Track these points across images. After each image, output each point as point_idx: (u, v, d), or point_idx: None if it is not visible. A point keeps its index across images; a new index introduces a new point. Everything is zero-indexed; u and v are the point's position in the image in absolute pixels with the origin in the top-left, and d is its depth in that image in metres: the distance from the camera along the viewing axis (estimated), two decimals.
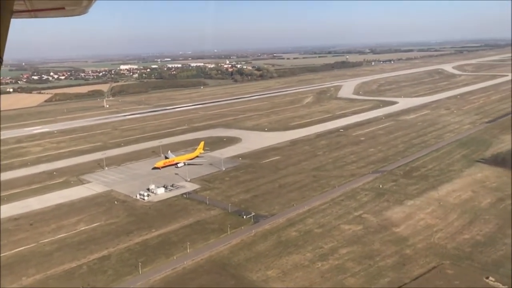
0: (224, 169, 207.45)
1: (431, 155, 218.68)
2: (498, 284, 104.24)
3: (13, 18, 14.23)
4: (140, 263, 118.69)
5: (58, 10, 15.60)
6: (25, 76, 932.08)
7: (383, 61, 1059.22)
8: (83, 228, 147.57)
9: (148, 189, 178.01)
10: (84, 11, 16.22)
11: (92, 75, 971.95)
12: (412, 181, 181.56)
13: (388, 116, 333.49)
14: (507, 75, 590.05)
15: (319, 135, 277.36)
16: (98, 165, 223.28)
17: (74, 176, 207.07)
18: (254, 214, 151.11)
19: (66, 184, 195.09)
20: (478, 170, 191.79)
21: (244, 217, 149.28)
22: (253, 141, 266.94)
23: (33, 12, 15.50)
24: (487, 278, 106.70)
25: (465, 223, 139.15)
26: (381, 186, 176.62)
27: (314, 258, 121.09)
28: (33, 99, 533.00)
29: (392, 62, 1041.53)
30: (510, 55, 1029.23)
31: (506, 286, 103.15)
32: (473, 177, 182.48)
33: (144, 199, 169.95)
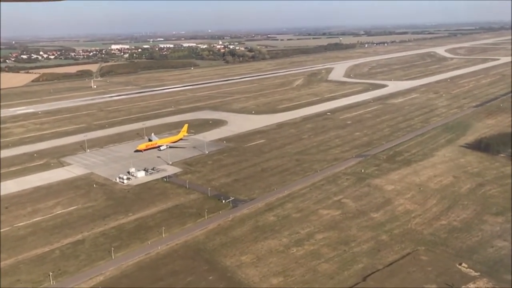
0: (207, 152, 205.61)
1: (416, 140, 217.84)
2: (470, 270, 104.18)
3: (2, 1, 15.23)
4: (113, 248, 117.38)
5: None
6: (14, 55, 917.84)
7: (376, 44, 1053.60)
8: (60, 211, 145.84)
9: (128, 172, 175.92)
10: None
11: (83, 55, 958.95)
12: (394, 165, 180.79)
13: (377, 99, 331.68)
14: (499, 59, 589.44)
15: (306, 119, 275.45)
16: (80, 147, 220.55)
17: (55, 158, 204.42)
18: (233, 198, 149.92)
19: (46, 167, 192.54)
20: (461, 155, 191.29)
21: (223, 201, 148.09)
22: (239, 124, 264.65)
23: None
24: (460, 264, 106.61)
25: (444, 209, 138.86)
26: (363, 170, 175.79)
27: (289, 243, 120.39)
28: (20, 79, 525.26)
29: (386, 44, 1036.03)
30: (503, 38, 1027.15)
31: (478, 273, 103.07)
32: (455, 162, 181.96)
33: (123, 182, 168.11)
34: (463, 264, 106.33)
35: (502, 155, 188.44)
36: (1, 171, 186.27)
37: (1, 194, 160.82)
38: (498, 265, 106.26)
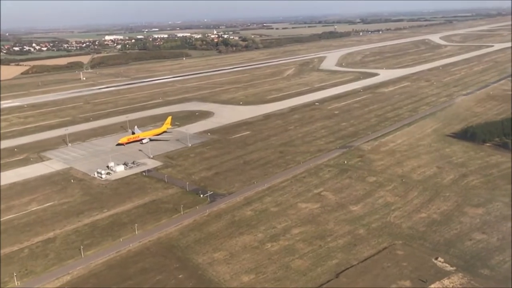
0: (190, 145, 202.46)
1: (402, 129, 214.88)
2: (446, 265, 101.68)
3: None
4: (83, 246, 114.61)
5: None
6: (6, 47, 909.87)
7: (371, 31, 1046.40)
8: (34, 208, 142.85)
9: (108, 167, 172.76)
10: None
11: (76, 46, 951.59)
12: (378, 156, 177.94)
13: (367, 88, 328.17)
14: (493, 45, 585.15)
15: (294, 109, 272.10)
16: (62, 141, 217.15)
17: (35, 153, 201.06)
18: (211, 192, 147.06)
19: (25, 162, 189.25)
20: (446, 145, 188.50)
21: (201, 196, 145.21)
22: (226, 115, 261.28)
23: None
24: (436, 259, 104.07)
25: (425, 201, 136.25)
26: (346, 162, 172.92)
27: (264, 238, 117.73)
28: (10, 71, 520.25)
29: (381, 32, 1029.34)
30: (499, 24, 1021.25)
31: (454, 267, 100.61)
32: (440, 152, 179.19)
33: (101, 177, 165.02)
34: (439, 259, 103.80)
35: (488, 144, 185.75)
36: None
37: None
38: (474, 259, 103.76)
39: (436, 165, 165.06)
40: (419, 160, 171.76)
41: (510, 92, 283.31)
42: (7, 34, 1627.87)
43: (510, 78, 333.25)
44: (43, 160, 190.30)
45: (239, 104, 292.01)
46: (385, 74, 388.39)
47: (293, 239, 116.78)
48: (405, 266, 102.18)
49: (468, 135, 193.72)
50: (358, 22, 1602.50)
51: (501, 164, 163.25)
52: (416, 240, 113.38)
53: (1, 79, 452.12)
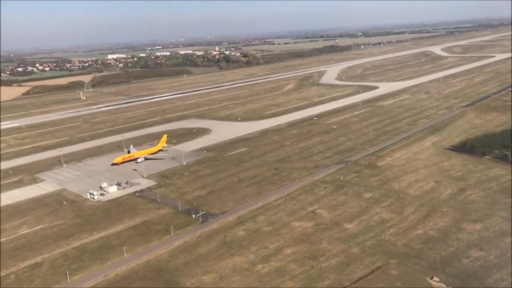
0: (185, 163, 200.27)
1: (401, 143, 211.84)
2: (442, 284, 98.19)
3: None
4: (70, 271, 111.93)
5: None
6: (9, 68, 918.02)
7: (372, 45, 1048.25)
8: (24, 232, 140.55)
9: (101, 188, 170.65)
10: None
11: (78, 66, 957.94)
12: (375, 171, 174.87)
13: (366, 102, 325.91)
14: (494, 56, 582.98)
15: (292, 124, 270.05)
16: (58, 161, 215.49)
17: (29, 174, 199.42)
18: (204, 212, 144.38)
19: (18, 184, 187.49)
20: (445, 158, 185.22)
21: (193, 216, 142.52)
22: (223, 132, 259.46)
23: None
24: (432, 278, 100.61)
25: (421, 217, 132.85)
26: (342, 178, 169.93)
27: (256, 260, 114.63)
28: (12, 92, 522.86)
29: (382, 45, 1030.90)
30: (501, 35, 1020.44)
31: (451, 287, 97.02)
32: (439, 166, 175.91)
33: (94, 199, 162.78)
34: (435, 278, 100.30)
35: (487, 157, 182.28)
36: None
37: None
38: (471, 278, 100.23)
39: (434, 180, 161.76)
40: (417, 174, 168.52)
41: (510, 103, 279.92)
42: (11, 55, 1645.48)
43: (510, 89, 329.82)
44: (36, 182, 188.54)
45: (237, 121, 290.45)
46: (385, 87, 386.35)
47: (285, 260, 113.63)
48: (399, 286, 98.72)
49: (467, 147, 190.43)
50: (360, 36, 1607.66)
51: (501, 177, 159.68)
52: (411, 259, 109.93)
53: (2, 100, 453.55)
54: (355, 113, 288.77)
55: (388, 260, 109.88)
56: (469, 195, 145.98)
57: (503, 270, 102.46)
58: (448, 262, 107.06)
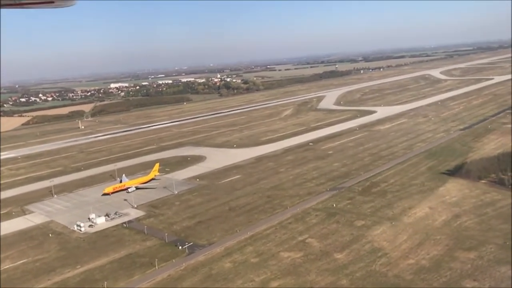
0: (176, 192, 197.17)
1: (396, 168, 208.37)
2: None
3: (2, 8, 16.41)
4: None
5: (47, 3, 17.50)
6: (13, 99, 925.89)
7: (372, 69, 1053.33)
8: (6, 267, 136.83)
9: (89, 219, 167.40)
10: (72, 2, 18.46)
11: (81, 95, 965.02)
12: (369, 198, 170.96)
13: (363, 126, 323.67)
14: (493, 78, 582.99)
15: (287, 150, 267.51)
16: (49, 192, 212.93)
17: (18, 206, 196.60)
18: (191, 244, 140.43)
19: (7, 216, 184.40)
20: (440, 183, 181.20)
21: (180, 247, 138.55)
22: (218, 159, 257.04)
23: (22, 4, 17.20)
24: None
25: (414, 246, 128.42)
26: (334, 205, 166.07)
27: None
28: (12, 123, 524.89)
29: (382, 69, 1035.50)
30: (500, 57, 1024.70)
31: None
32: (434, 192, 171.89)
33: (81, 230, 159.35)
34: None
35: (483, 181, 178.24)
36: None
37: None
38: None
39: (428, 206, 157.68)
40: (411, 200, 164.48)
41: (509, 126, 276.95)
42: (17, 86, 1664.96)
43: (509, 111, 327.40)
44: (25, 214, 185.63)
45: (232, 147, 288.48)
46: (382, 112, 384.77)
47: None
48: None
49: (463, 171, 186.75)
50: (360, 60, 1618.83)
51: (497, 202, 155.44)
52: None
53: (2, 130, 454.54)
54: (351, 138, 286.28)
55: None
56: (464, 222, 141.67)
57: None
58: None
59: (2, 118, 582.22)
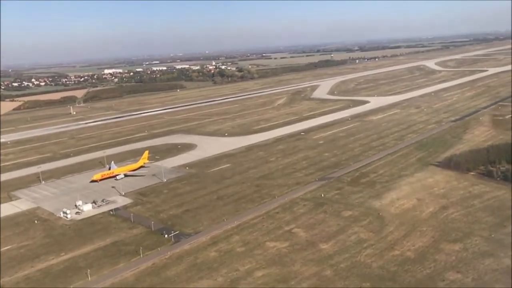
0: (165, 180, 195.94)
1: (386, 159, 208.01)
2: None
3: None
4: None
5: None
6: (5, 83, 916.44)
7: (367, 59, 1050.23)
8: None
9: (76, 206, 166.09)
10: None
11: (74, 80, 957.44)
12: (357, 188, 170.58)
13: (355, 116, 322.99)
14: (487, 70, 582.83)
15: (278, 139, 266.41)
16: (37, 178, 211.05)
17: (5, 192, 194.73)
18: (177, 232, 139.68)
19: None
20: (429, 174, 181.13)
21: (166, 236, 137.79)
22: (208, 147, 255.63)
23: None
24: None
25: (400, 237, 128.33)
26: (323, 195, 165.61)
27: (224, 283, 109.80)
28: (3, 108, 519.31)
29: (377, 59, 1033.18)
30: (495, 49, 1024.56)
31: None
32: (422, 183, 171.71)
33: (67, 217, 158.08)
34: None
35: (472, 173, 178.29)
36: None
37: None
38: None
39: (416, 197, 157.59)
40: (399, 191, 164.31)
41: (500, 118, 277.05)
42: (10, 70, 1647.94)
43: (501, 103, 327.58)
44: (11, 200, 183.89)
45: (224, 136, 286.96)
46: (375, 102, 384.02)
47: (254, 283, 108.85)
48: None
49: (452, 163, 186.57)
50: (356, 50, 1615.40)
51: (484, 194, 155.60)
52: (385, 282, 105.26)
53: None
54: (343, 128, 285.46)
55: (361, 284, 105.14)
56: (450, 214, 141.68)
57: None
58: (423, 286, 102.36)
59: None
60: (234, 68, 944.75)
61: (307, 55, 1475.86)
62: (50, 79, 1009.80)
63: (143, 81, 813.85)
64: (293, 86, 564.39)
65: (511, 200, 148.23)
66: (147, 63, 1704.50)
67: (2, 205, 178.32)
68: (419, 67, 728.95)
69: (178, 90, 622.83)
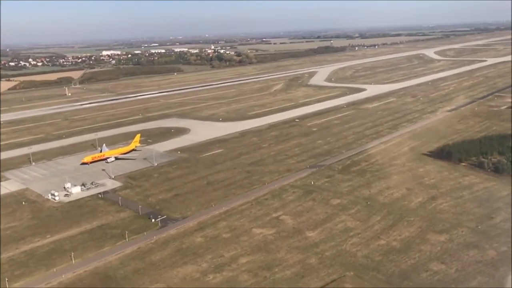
0: (156, 164, 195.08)
1: (378, 148, 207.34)
2: None
3: None
4: (11, 278, 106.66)
5: None
6: (2, 63, 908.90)
7: (367, 46, 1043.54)
8: None
9: (64, 188, 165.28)
10: None
11: (72, 61, 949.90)
12: (347, 177, 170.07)
13: (351, 104, 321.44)
14: (486, 60, 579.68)
15: (272, 126, 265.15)
16: (28, 159, 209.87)
17: None
18: (164, 217, 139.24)
19: None
20: (421, 164, 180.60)
21: (153, 220, 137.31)
22: (202, 132, 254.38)
23: None
24: None
25: (386, 226, 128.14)
26: (313, 182, 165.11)
27: (208, 269, 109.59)
28: None
29: (376, 47, 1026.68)
30: (496, 39, 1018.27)
31: None
32: (413, 173, 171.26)
33: (55, 199, 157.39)
34: None
35: (463, 164, 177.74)
36: None
37: None
38: None
39: (405, 187, 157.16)
40: (389, 181, 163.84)
41: (495, 109, 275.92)
42: (7, 49, 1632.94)
43: (498, 94, 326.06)
44: (0, 181, 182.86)
45: (218, 121, 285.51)
46: (372, 90, 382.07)
47: (238, 270, 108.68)
48: None
49: (444, 154, 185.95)
50: (356, 37, 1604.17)
51: (474, 185, 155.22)
52: (369, 271, 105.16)
53: None
54: (338, 115, 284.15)
55: (344, 273, 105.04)
56: (439, 204, 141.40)
57: (462, 284, 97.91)
58: (406, 276, 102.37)
59: None
60: (232, 53, 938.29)
61: (307, 41, 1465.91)
62: (48, 60, 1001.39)
63: (141, 63, 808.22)
64: (291, 72, 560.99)
65: (500, 191, 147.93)
66: (146, 45, 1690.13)
67: None
68: (418, 55, 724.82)
69: (175, 74, 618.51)
